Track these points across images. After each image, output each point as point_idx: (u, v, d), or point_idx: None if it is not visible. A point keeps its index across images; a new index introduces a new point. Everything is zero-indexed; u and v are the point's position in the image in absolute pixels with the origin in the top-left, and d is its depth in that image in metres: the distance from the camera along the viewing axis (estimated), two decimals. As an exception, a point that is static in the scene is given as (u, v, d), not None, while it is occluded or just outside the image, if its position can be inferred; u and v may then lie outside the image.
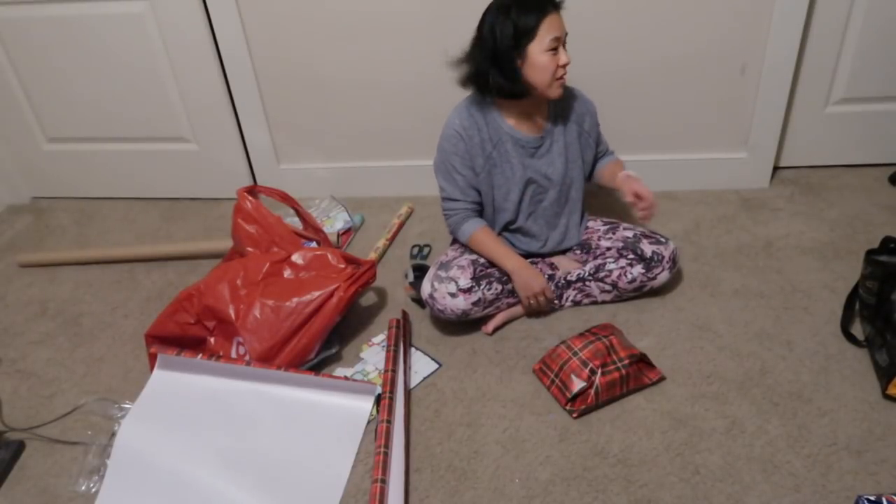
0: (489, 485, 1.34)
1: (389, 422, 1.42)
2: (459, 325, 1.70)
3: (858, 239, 1.91)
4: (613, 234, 1.74)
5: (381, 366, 1.60)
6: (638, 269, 1.68)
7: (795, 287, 1.77)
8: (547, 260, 1.79)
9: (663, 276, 1.69)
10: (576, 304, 1.75)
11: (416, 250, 2.01)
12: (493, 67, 1.53)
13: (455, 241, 1.81)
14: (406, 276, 1.81)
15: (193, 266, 2.03)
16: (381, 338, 1.71)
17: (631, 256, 1.68)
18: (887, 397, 1.44)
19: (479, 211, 1.71)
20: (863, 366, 1.52)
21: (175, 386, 1.52)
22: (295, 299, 1.57)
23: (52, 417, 1.56)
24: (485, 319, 1.69)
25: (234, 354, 1.59)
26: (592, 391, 1.44)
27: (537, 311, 1.72)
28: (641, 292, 1.73)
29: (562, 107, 1.67)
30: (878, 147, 2.18)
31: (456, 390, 1.55)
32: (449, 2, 1.90)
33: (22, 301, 1.98)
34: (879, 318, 1.51)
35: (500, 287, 1.65)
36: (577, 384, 1.44)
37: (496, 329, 1.69)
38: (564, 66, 1.54)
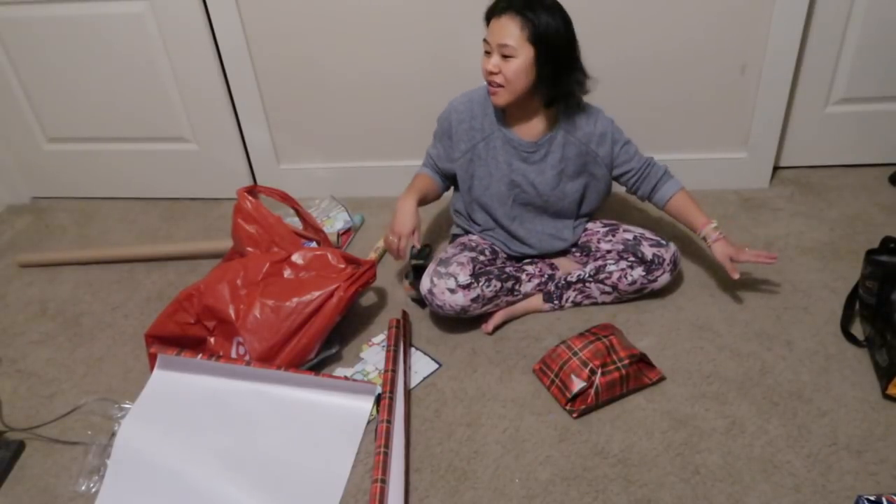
0: (489, 485, 1.34)
1: (389, 422, 1.42)
2: (459, 324, 1.70)
3: (858, 239, 1.91)
4: (613, 236, 1.74)
5: (381, 366, 1.60)
6: (638, 272, 1.68)
7: (795, 287, 1.77)
8: (547, 261, 1.79)
9: (664, 279, 1.69)
10: (576, 304, 1.75)
11: (415, 250, 2.01)
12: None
13: (454, 238, 1.82)
14: (406, 276, 1.81)
15: (193, 266, 2.03)
16: (381, 338, 1.71)
17: (631, 259, 1.68)
18: (887, 397, 1.44)
19: (440, 172, 1.75)
20: (863, 366, 1.52)
21: (175, 386, 1.52)
22: (295, 299, 1.57)
23: (52, 417, 1.56)
24: (484, 318, 1.69)
25: (234, 354, 1.59)
26: (592, 391, 1.44)
27: (394, 252, 1.64)
28: (642, 294, 1.73)
29: (570, 121, 1.65)
30: (878, 147, 2.18)
31: (456, 390, 1.55)
32: (449, 2, 1.90)
33: (22, 301, 1.98)
34: (879, 318, 1.51)
35: (499, 284, 1.65)
36: (577, 384, 1.44)
37: (496, 328, 1.70)
38: (489, 73, 1.51)
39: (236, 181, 2.23)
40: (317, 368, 1.63)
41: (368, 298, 1.85)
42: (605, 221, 1.81)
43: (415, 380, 1.59)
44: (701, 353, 1.59)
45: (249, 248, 1.75)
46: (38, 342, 1.82)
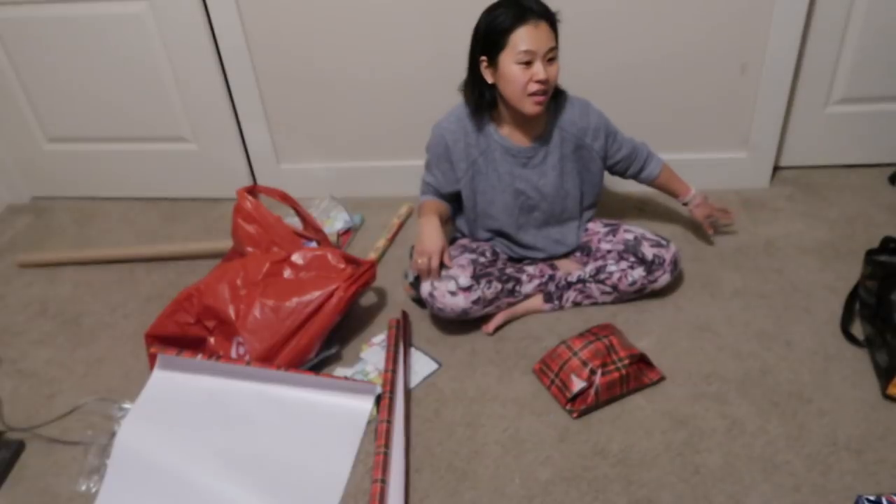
0: (489, 485, 1.34)
1: (389, 422, 1.42)
2: (459, 324, 1.70)
3: (858, 239, 1.91)
4: (614, 236, 1.74)
5: (381, 366, 1.60)
6: (639, 272, 1.68)
7: (795, 287, 1.77)
8: (548, 261, 1.79)
9: (664, 279, 1.69)
10: (576, 304, 1.75)
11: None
12: (469, 72, 1.53)
13: (454, 241, 1.81)
14: (406, 276, 1.81)
15: (193, 266, 2.03)
16: (381, 338, 1.71)
17: (632, 259, 1.68)
18: (887, 397, 1.44)
19: (442, 196, 1.74)
20: (863, 366, 1.52)
21: (175, 386, 1.52)
22: (295, 299, 1.57)
23: (52, 417, 1.56)
24: (485, 319, 1.69)
25: (234, 354, 1.59)
26: (592, 391, 1.44)
27: (426, 273, 1.61)
28: (642, 294, 1.73)
29: (561, 119, 1.64)
30: (878, 147, 2.18)
31: (456, 390, 1.55)
32: (450, 2, 1.90)
33: (22, 301, 1.98)
34: (879, 318, 1.51)
35: (499, 286, 1.65)
36: (577, 384, 1.44)
37: (496, 329, 1.69)
38: (540, 81, 1.46)
39: (236, 181, 2.23)
40: (317, 368, 1.63)
41: (368, 298, 1.85)
42: (606, 221, 1.81)
43: (415, 380, 1.59)
44: (701, 354, 1.59)
45: (249, 248, 1.75)
46: (38, 342, 1.82)
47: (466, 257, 1.66)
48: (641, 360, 1.50)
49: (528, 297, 1.73)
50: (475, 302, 1.61)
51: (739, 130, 2.09)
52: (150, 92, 2.17)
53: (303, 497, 1.34)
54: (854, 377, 1.50)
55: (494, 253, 1.76)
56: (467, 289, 1.60)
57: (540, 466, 1.37)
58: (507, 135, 1.63)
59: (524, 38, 1.44)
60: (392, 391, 1.49)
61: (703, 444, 1.38)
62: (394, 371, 1.54)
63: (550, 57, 1.48)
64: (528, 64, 1.46)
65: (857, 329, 1.61)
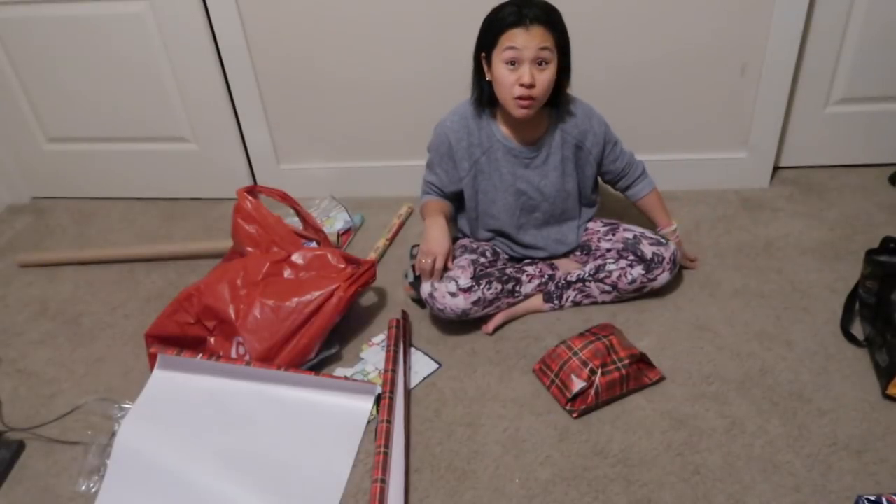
0: (489, 485, 1.34)
1: (389, 422, 1.42)
2: (459, 324, 1.70)
3: (858, 239, 1.91)
4: (613, 235, 1.74)
5: (381, 366, 1.60)
6: (638, 270, 1.68)
7: (795, 287, 1.77)
8: (547, 261, 1.79)
9: (664, 278, 1.69)
10: (576, 304, 1.75)
11: (416, 250, 2.01)
12: (474, 63, 1.53)
13: (455, 240, 1.81)
14: (406, 276, 1.80)
15: (193, 266, 2.03)
16: (381, 338, 1.71)
17: (631, 258, 1.68)
18: (887, 397, 1.44)
19: (445, 196, 1.73)
20: (863, 366, 1.52)
21: (175, 386, 1.52)
22: (295, 299, 1.57)
23: (52, 417, 1.56)
24: (485, 319, 1.69)
25: (234, 354, 1.59)
26: (592, 391, 1.44)
27: (428, 274, 1.60)
28: (641, 293, 1.73)
29: (563, 118, 1.64)
30: (878, 147, 2.18)
31: (456, 390, 1.55)
32: (450, 3, 1.90)
33: (22, 301, 1.98)
34: (879, 318, 1.51)
35: (499, 287, 1.65)
36: (577, 384, 1.44)
37: (496, 329, 1.69)
38: (524, 85, 1.44)
39: (236, 181, 2.23)
40: (317, 368, 1.63)
41: (368, 298, 1.85)
42: (606, 220, 1.81)
43: (415, 380, 1.59)
44: (701, 353, 1.59)
45: (249, 248, 1.75)
46: (38, 342, 1.82)
47: (467, 258, 1.66)
48: (641, 360, 1.50)
49: (528, 297, 1.73)
50: (475, 303, 1.61)
51: (739, 130, 2.09)
52: (149, 92, 2.16)
53: (303, 497, 1.34)
54: (854, 377, 1.50)
55: (495, 253, 1.76)
56: (467, 290, 1.60)
57: (540, 466, 1.37)
58: (509, 135, 1.63)
59: (512, 38, 1.44)
60: (392, 391, 1.49)
61: (703, 444, 1.38)
62: (394, 371, 1.54)
63: (541, 61, 1.46)
64: (515, 66, 1.46)
65: (857, 329, 1.61)
